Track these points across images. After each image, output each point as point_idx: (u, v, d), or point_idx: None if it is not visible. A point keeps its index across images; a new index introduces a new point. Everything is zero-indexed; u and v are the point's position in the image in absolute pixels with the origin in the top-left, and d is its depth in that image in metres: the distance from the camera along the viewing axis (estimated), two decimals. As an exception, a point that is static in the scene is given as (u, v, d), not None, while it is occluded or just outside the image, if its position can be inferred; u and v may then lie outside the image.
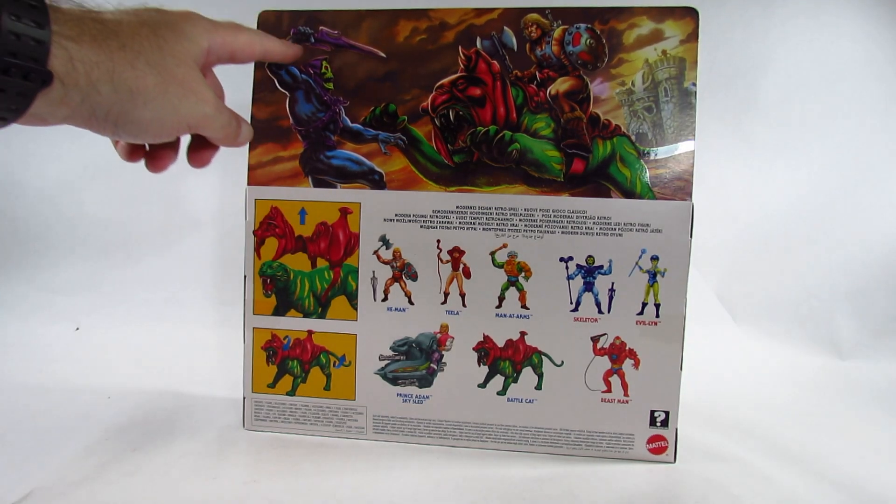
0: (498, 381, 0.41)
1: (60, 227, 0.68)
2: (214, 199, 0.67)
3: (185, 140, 0.37)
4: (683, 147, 0.39)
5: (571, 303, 0.40)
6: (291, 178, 0.41)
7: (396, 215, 0.41)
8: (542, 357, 0.40)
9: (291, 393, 0.42)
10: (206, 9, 0.67)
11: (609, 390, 0.40)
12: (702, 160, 0.41)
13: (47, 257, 0.67)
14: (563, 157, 0.40)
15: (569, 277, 0.40)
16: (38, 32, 0.22)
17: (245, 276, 0.42)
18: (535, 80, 0.40)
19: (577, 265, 0.39)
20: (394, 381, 0.42)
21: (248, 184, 0.42)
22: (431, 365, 0.41)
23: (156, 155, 0.34)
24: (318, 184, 0.41)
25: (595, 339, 0.40)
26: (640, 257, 0.39)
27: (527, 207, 0.40)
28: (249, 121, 0.42)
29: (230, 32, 0.34)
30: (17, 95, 0.22)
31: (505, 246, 0.40)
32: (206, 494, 0.34)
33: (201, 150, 0.36)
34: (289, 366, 0.42)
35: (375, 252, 0.41)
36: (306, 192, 0.41)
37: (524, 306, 0.40)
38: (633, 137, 0.39)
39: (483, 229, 0.40)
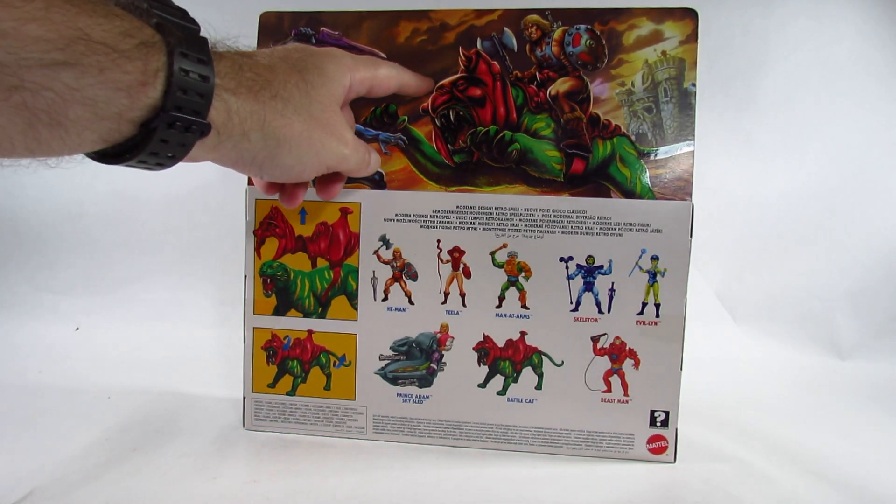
0: (498, 381, 0.41)
1: (60, 226, 0.68)
2: (214, 199, 0.67)
3: None
4: (683, 147, 0.39)
5: (571, 303, 0.40)
6: (291, 178, 0.41)
7: (396, 215, 0.41)
8: (542, 357, 0.40)
9: (291, 393, 0.42)
10: (205, 9, 0.67)
11: (609, 390, 0.40)
12: (702, 160, 0.41)
13: (47, 257, 0.67)
14: (563, 157, 0.40)
15: (569, 277, 0.40)
16: (203, 87, 0.23)
17: (245, 276, 0.42)
18: (535, 81, 0.40)
19: (577, 265, 0.39)
20: (394, 381, 0.42)
21: (249, 184, 0.42)
22: (431, 365, 0.41)
23: (291, 191, 0.36)
24: (319, 184, 0.41)
25: (595, 339, 0.40)
26: (640, 257, 0.39)
27: (527, 207, 0.40)
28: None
29: (370, 69, 0.35)
30: (177, 146, 0.23)
31: (505, 246, 0.40)
32: (206, 494, 0.34)
33: (330, 183, 0.37)
34: (289, 366, 0.42)
35: (375, 252, 0.41)
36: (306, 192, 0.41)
37: (524, 306, 0.40)
38: (633, 137, 0.39)
39: (483, 229, 0.40)
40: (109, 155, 0.23)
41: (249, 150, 0.26)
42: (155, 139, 0.22)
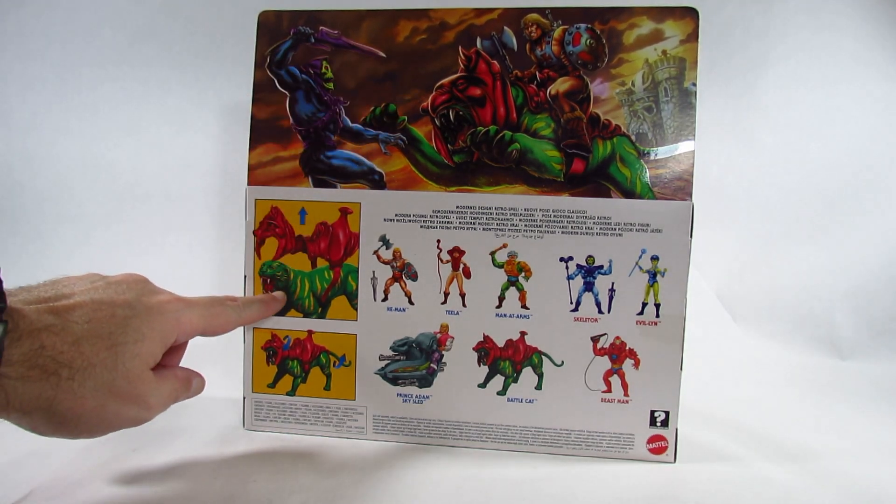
0: (498, 381, 0.41)
1: (61, 226, 0.68)
2: (214, 199, 0.67)
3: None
4: (683, 147, 0.39)
5: (571, 303, 0.40)
6: (291, 178, 0.41)
7: (396, 215, 0.41)
8: (542, 357, 0.40)
9: (291, 393, 0.42)
10: (205, 10, 0.67)
11: (609, 390, 0.40)
12: (702, 160, 0.41)
13: (47, 257, 0.67)
14: (563, 157, 0.40)
15: (569, 277, 0.40)
16: None
17: (245, 276, 0.42)
18: (535, 80, 0.40)
19: (577, 265, 0.39)
20: (394, 381, 0.42)
21: (248, 184, 0.42)
22: (431, 365, 0.41)
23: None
24: (318, 184, 0.41)
25: (595, 339, 0.40)
26: (640, 257, 0.39)
27: (527, 207, 0.40)
28: (249, 121, 0.42)
29: (203, 319, 0.33)
30: None
31: (505, 246, 0.40)
32: (206, 494, 0.34)
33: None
34: (289, 366, 0.42)
35: (375, 252, 0.41)
36: (306, 192, 0.41)
37: (524, 306, 0.40)
38: (633, 137, 0.39)
39: (483, 229, 0.40)
40: None
41: (29, 424, 0.25)
42: None
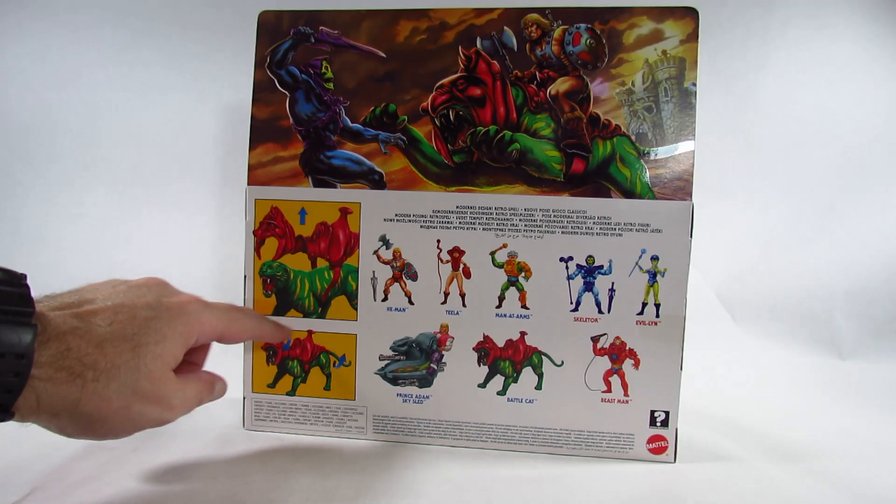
0: (498, 381, 0.41)
1: (60, 226, 0.68)
2: (214, 199, 0.67)
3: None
4: (683, 147, 0.39)
5: (571, 303, 0.40)
6: (291, 178, 0.41)
7: (396, 215, 0.41)
8: (542, 357, 0.40)
9: (291, 393, 0.42)
10: (205, 10, 0.67)
11: (609, 390, 0.40)
12: (702, 160, 0.41)
13: (47, 257, 0.67)
14: (563, 157, 0.40)
15: (569, 277, 0.40)
16: (13, 383, 0.22)
17: (245, 276, 0.42)
18: (535, 80, 0.40)
19: (577, 265, 0.39)
20: (394, 381, 0.42)
21: (248, 184, 0.42)
22: (431, 365, 0.41)
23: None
24: (318, 184, 0.41)
25: (595, 339, 0.40)
26: (640, 257, 0.39)
27: (527, 207, 0.40)
28: (249, 121, 0.42)
29: (222, 322, 0.33)
30: None
31: (505, 246, 0.40)
32: (206, 494, 0.34)
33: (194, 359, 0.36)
34: (289, 365, 0.42)
35: (375, 252, 0.41)
36: (306, 192, 0.41)
37: (524, 306, 0.40)
38: (633, 137, 0.39)
39: (483, 229, 0.40)
40: None
41: (57, 426, 0.26)
42: None
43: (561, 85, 0.40)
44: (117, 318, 0.27)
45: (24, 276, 0.25)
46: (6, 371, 0.22)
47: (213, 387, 0.34)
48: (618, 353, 0.40)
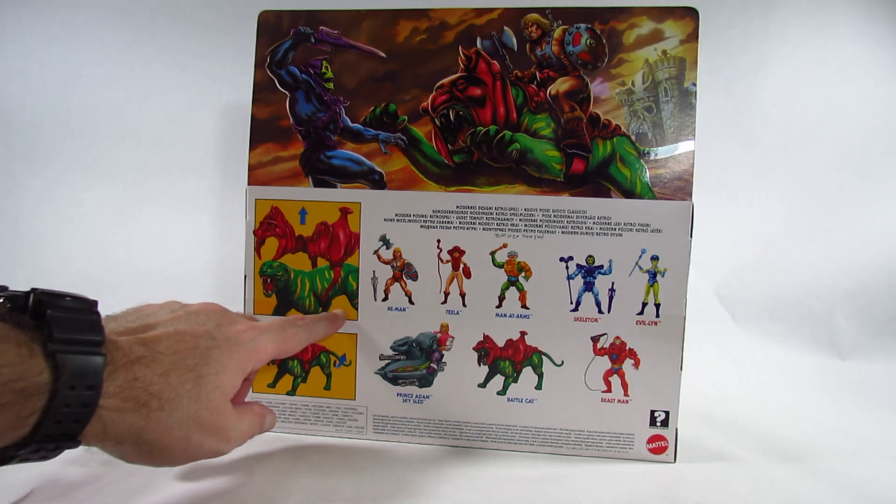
0: (498, 380, 0.41)
1: (60, 226, 0.68)
2: (214, 199, 0.67)
3: None
4: (683, 147, 0.39)
5: (571, 303, 0.40)
6: (291, 178, 0.41)
7: (396, 215, 0.41)
8: (542, 357, 0.40)
9: (291, 393, 0.42)
10: (205, 10, 0.67)
11: (609, 390, 0.40)
12: (702, 160, 0.41)
13: (47, 257, 0.67)
14: (563, 157, 0.40)
15: (569, 277, 0.40)
16: (82, 412, 0.22)
17: (245, 276, 0.42)
18: (535, 80, 0.40)
19: (577, 265, 0.39)
20: (394, 380, 0.42)
21: (249, 184, 0.42)
22: (431, 365, 0.41)
23: None
24: (319, 184, 0.41)
25: (595, 339, 0.40)
26: (640, 257, 0.39)
27: (527, 207, 0.40)
28: (249, 121, 0.42)
29: (276, 344, 0.34)
30: (36, 459, 0.23)
31: (505, 246, 0.40)
32: (206, 494, 0.34)
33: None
34: (289, 365, 0.42)
35: (376, 252, 0.41)
36: (306, 192, 0.41)
37: (524, 306, 0.40)
38: (633, 137, 0.39)
39: (483, 229, 0.40)
40: None
41: (120, 453, 0.26)
42: (14, 461, 0.22)
43: (561, 85, 0.40)
44: (179, 346, 0.28)
45: (95, 304, 0.25)
46: (76, 402, 0.22)
47: (265, 420, 0.35)
48: (618, 353, 0.40)
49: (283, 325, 0.35)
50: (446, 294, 0.41)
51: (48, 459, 0.24)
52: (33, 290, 0.24)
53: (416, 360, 0.41)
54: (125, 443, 0.25)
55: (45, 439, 0.22)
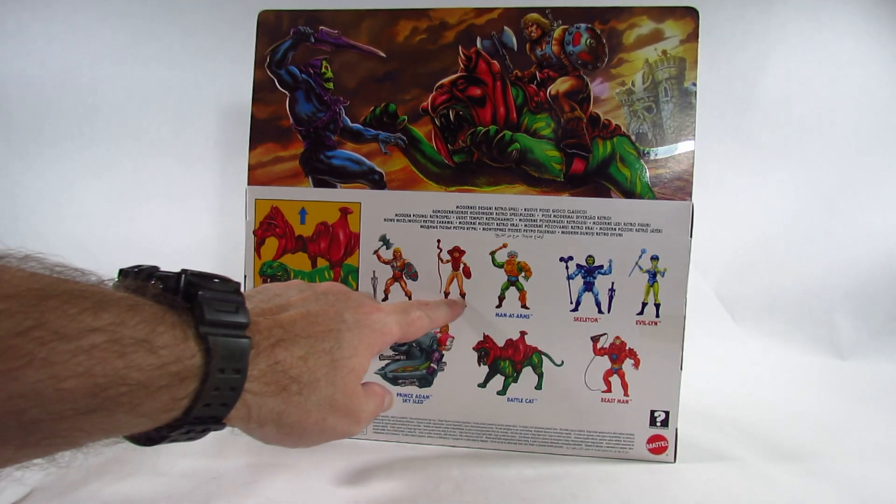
0: (498, 380, 0.41)
1: (60, 226, 0.68)
2: (214, 199, 0.67)
3: None
4: (683, 147, 0.39)
5: (571, 303, 0.40)
6: (291, 178, 0.41)
7: (396, 215, 0.41)
8: (542, 357, 0.40)
9: (291, 393, 0.42)
10: (205, 10, 0.67)
11: (609, 390, 0.40)
12: (702, 160, 0.41)
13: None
14: (563, 157, 0.40)
15: (569, 277, 0.40)
16: (229, 396, 0.23)
17: (245, 276, 0.42)
18: (535, 80, 0.40)
19: (577, 265, 0.39)
20: (394, 380, 0.42)
21: (249, 184, 0.42)
22: (431, 365, 0.41)
23: None
24: (319, 184, 0.41)
25: (595, 339, 0.40)
26: (640, 257, 0.39)
27: (527, 207, 0.40)
28: (249, 121, 0.42)
29: (402, 328, 0.34)
30: (184, 439, 0.24)
31: (505, 246, 0.40)
32: (206, 494, 0.34)
33: None
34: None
35: (376, 252, 0.41)
36: (306, 192, 0.41)
37: (524, 306, 0.40)
38: (633, 137, 0.39)
39: (483, 229, 0.40)
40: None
41: (261, 435, 0.27)
42: (166, 441, 0.23)
43: (561, 85, 0.40)
44: (314, 329, 0.28)
45: (239, 285, 0.25)
46: (224, 386, 0.22)
47: (384, 399, 0.34)
48: (618, 353, 0.40)
49: (406, 309, 0.35)
50: (446, 294, 0.41)
51: (195, 441, 0.24)
52: (184, 270, 0.23)
53: (416, 360, 0.41)
54: (267, 425, 0.25)
55: (195, 421, 0.22)
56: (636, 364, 0.39)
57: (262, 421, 0.25)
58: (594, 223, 0.39)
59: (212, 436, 0.44)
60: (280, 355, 0.25)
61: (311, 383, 0.26)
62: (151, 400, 0.20)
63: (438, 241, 0.40)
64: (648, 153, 0.39)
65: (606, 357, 0.40)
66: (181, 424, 0.22)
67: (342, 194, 0.41)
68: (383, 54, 0.41)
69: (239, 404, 0.23)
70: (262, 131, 0.42)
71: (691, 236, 0.38)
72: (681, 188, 0.39)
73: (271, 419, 0.25)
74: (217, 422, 0.23)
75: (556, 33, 0.40)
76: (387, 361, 0.41)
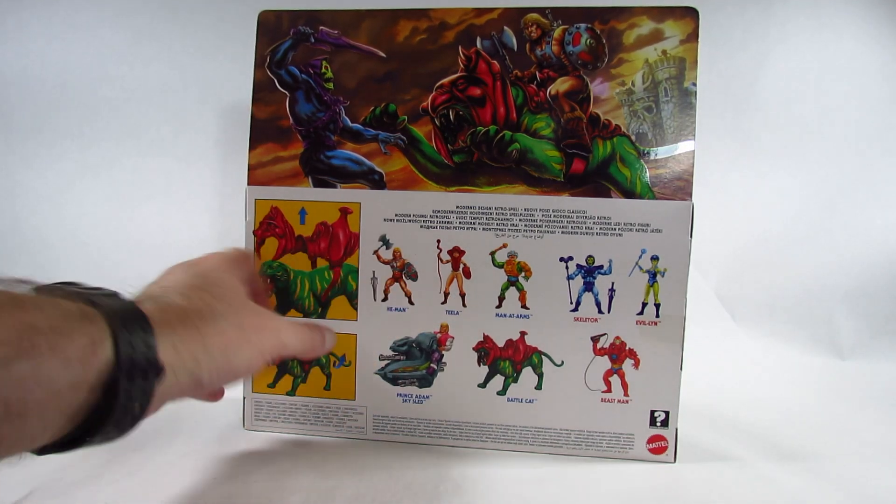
0: (498, 381, 0.41)
1: (60, 227, 0.68)
2: (214, 199, 0.67)
3: None
4: (683, 147, 0.39)
5: (571, 303, 0.40)
6: (291, 178, 0.41)
7: (396, 215, 0.41)
8: (542, 357, 0.40)
9: (291, 393, 0.42)
10: (205, 10, 0.67)
11: (609, 390, 0.40)
12: (702, 160, 0.41)
13: (47, 257, 0.67)
14: (563, 157, 0.40)
15: (569, 277, 0.40)
16: (144, 335, 0.24)
17: (245, 276, 0.42)
18: (535, 80, 0.40)
19: (577, 265, 0.39)
20: (394, 381, 0.42)
21: (248, 184, 0.42)
22: (431, 365, 0.41)
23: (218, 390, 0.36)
24: (318, 184, 0.41)
25: (595, 339, 0.40)
26: (640, 257, 0.39)
27: (527, 207, 0.40)
28: (249, 121, 0.42)
29: (253, 277, 0.35)
30: (141, 394, 0.24)
31: (505, 246, 0.40)
32: (206, 494, 0.34)
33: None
34: (289, 365, 0.42)
35: (375, 252, 0.41)
36: (306, 192, 0.41)
37: (524, 306, 0.40)
38: (633, 137, 0.39)
39: (483, 229, 0.40)
40: (75, 440, 0.23)
41: (203, 371, 0.27)
42: (121, 395, 0.23)
43: (561, 85, 0.40)
44: (176, 287, 0.30)
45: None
46: (136, 328, 0.24)
47: (322, 333, 0.35)
48: (618, 353, 0.40)
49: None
50: (446, 294, 0.41)
51: (148, 396, 0.24)
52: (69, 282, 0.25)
53: (416, 361, 0.41)
54: (200, 356, 0.26)
55: (129, 364, 0.23)
56: (636, 364, 0.39)
57: (193, 353, 0.26)
58: (594, 223, 0.39)
59: (214, 436, 0.44)
60: (160, 302, 0.27)
61: (206, 311, 0.28)
62: (68, 341, 0.21)
63: (438, 241, 0.40)
64: (648, 153, 0.39)
65: (606, 357, 0.40)
66: (117, 368, 0.22)
67: (342, 194, 0.41)
68: (383, 54, 0.41)
69: (161, 340, 0.24)
70: (262, 131, 0.42)
71: (691, 236, 0.38)
72: (681, 188, 0.39)
73: (199, 349, 0.26)
74: (151, 359, 0.24)
75: (556, 33, 0.40)
76: (387, 362, 0.41)
